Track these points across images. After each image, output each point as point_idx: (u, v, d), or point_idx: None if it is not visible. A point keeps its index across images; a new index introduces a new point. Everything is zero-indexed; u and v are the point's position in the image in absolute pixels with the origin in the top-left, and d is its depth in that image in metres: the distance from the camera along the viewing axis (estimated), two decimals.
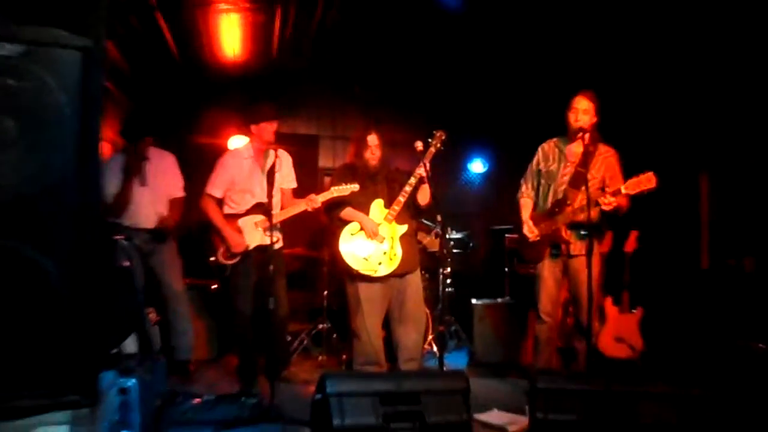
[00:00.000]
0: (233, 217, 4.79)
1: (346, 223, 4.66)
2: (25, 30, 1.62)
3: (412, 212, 4.76)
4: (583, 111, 4.37)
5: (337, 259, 4.73)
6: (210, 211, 4.77)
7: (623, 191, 4.06)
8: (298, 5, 5.23)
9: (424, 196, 4.66)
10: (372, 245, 4.60)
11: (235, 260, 4.71)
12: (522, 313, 5.75)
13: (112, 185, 4.88)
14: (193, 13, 5.27)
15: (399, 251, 4.60)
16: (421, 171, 4.49)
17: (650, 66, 5.78)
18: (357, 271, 4.56)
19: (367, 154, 4.68)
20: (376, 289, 4.63)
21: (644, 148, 5.29)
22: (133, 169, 4.96)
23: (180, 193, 5.20)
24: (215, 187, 4.79)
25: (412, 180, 4.54)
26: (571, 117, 4.41)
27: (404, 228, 4.65)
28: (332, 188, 4.63)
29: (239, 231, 4.73)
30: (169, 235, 5.10)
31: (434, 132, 4.61)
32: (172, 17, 5.26)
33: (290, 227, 5.06)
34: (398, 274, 4.64)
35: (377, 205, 4.69)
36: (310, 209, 4.69)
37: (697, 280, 5.87)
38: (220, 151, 5.79)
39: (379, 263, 4.57)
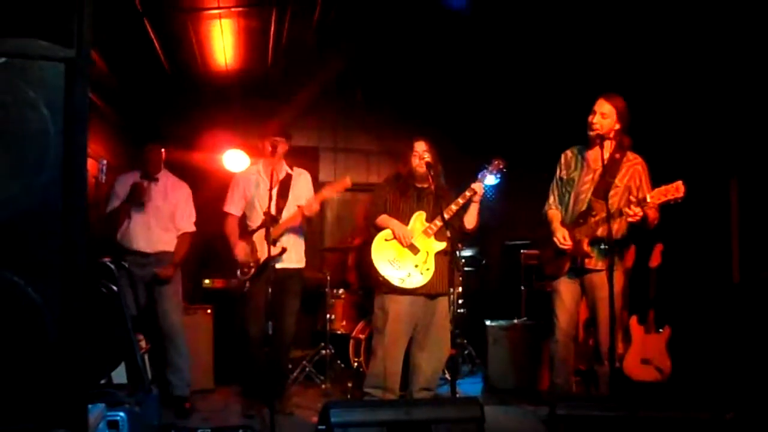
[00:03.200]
0: (250, 233, 5.12)
1: (381, 229, 4.75)
2: (5, 42, 1.64)
3: (454, 234, 4.75)
4: (602, 114, 4.34)
5: (368, 267, 4.79)
6: (226, 228, 5.18)
7: (649, 200, 4.06)
8: (294, 9, 5.27)
9: (471, 219, 4.75)
10: (405, 254, 4.66)
11: (250, 274, 5.03)
12: (540, 335, 5.73)
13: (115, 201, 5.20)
14: (183, 20, 5.30)
15: (432, 266, 4.64)
16: (475, 187, 4.62)
17: (675, 67, 5.79)
18: (385, 279, 4.59)
19: (415, 162, 4.75)
20: (404, 307, 4.63)
21: (670, 152, 5.29)
22: (139, 186, 5.19)
23: (190, 227, 5.38)
24: (230, 205, 5.20)
25: (460, 200, 4.62)
26: (591, 118, 4.37)
27: (442, 245, 4.67)
28: (325, 188, 5.10)
29: (253, 246, 5.06)
30: (168, 282, 5.23)
31: (492, 159, 4.73)
32: (160, 24, 5.29)
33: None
34: (429, 294, 4.66)
35: (418, 218, 4.76)
36: (307, 213, 4.99)
37: (727, 295, 5.84)
38: (213, 166, 5.89)
39: (409, 274, 4.61)
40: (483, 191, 4.68)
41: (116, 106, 6.36)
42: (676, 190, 3.99)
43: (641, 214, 4.11)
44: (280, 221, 4.98)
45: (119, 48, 5.49)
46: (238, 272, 5.10)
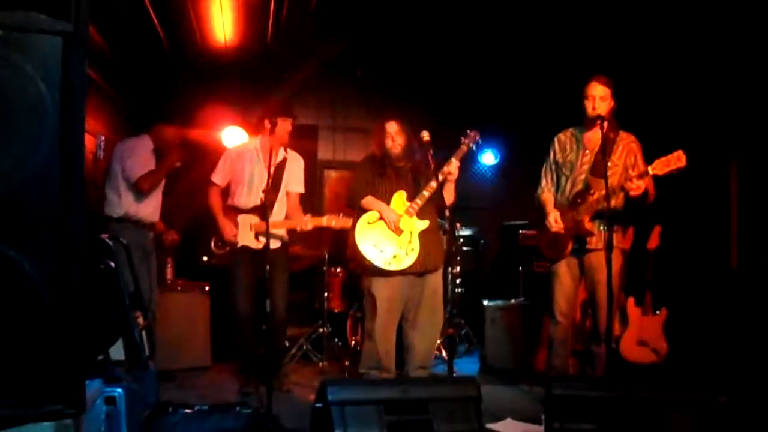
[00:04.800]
0: (235, 211, 5.07)
1: (364, 211, 4.71)
2: (1, 14, 1.62)
3: (436, 209, 4.79)
4: (600, 98, 4.36)
5: (352, 251, 4.77)
6: (210, 197, 5.10)
7: (650, 172, 4.05)
8: None
9: (449, 196, 4.70)
10: (389, 237, 4.63)
11: (225, 250, 5.07)
12: (537, 315, 5.75)
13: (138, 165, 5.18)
14: None
15: (417, 246, 4.62)
16: (450, 168, 4.60)
17: (675, 48, 5.76)
18: (370, 263, 4.57)
19: (388, 143, 4.74)
20: (393, 287, 4.63)
21: (668, 135, 5.26)
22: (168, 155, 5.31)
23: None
24: (217, 174, 5.12)
25: (440, 176, 4.58)
26: (588, 105, 4.39)
27: (425, 224, 4.67)
28: (326, 217, 5.01)
29: (236, 225, 5.01)
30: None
31: (468, 131, 4.71)
32: None
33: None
34: (417, 272, 4.65)
35: (399, 197, 4.73)
36: (299, 230, 5.00)
37: (725, 278, 5.85)
38: (212, 142, 5.86)
39: (394, 256, 4.59)
40: (457, 171, 4.64)
41: (114, 83, 6.32)
42: (677, 159, 3.97)
43: (644, 187, 4.10)
44: (270, 217, 4.72)
45: (117, 23, 5.45)
46: (212, 244, 5.13)
